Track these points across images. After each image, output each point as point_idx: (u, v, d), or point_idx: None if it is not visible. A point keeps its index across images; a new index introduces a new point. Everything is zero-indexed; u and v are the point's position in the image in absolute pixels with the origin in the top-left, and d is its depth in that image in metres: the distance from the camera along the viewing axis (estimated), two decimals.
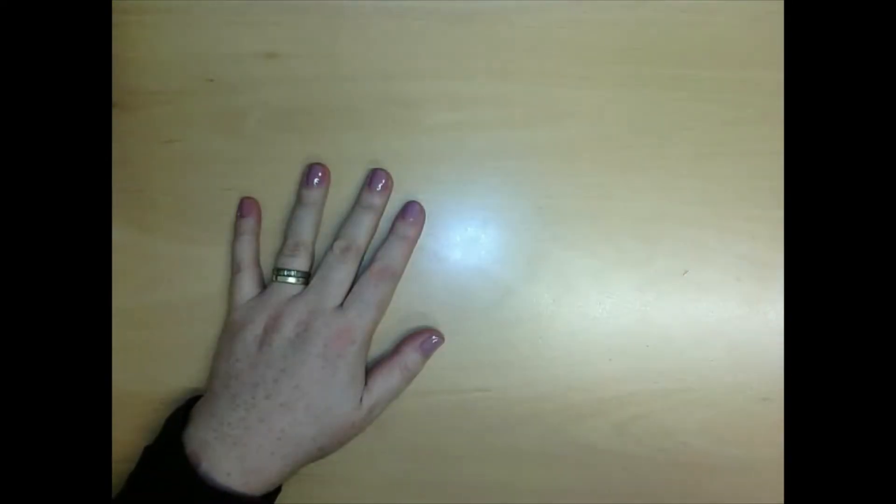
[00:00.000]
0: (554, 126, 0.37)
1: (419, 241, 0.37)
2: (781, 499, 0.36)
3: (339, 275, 0.34)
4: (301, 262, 0.35)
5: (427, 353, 0.36)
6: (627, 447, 0.37)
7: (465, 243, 0.37)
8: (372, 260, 0.35)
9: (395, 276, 0.35)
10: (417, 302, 0.37)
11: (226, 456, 0.32)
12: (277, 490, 0.34)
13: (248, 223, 0.36)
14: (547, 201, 0.37)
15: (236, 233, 0.36)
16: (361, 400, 0.34)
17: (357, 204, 0.36)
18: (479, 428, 0.37)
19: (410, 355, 0.36)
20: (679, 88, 0.37)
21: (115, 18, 0.37)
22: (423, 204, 0.36)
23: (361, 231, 0.35)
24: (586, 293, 0.37)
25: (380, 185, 0.36)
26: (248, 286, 0.36)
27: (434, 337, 0.36)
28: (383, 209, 0.36)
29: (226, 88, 0.37)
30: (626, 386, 0.37)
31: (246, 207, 0.36)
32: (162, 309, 0.37)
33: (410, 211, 0.36)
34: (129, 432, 0.36)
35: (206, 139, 0.37)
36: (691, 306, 0.37)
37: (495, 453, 0.37)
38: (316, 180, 0.36)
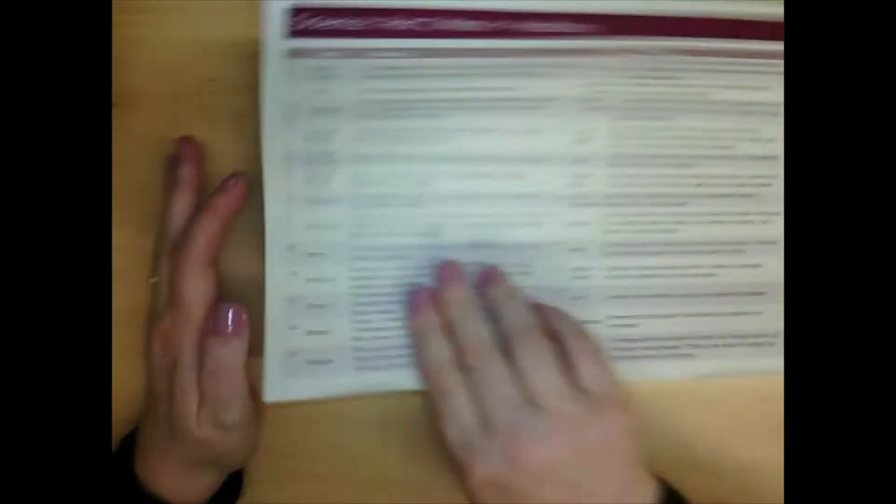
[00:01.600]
0: None
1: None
2: (781, 499, 0.36)
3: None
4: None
5: (231, 334, 0.31)
6: None
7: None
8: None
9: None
10: None
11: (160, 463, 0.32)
12: (233, 493, 0.34)
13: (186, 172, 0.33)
14: None
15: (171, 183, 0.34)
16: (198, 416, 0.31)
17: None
18: None
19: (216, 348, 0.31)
20: None
21: (115, 18, 0.37)
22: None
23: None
24: None
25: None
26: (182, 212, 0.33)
27: (231, 310, 0.32)
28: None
29: (226, 88, 0.37)
30: (626, 386, 0.37)
31: (183, 153, 0.33)
32: None
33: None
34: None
35: (206, 139, 0.37)
36: None
37: None
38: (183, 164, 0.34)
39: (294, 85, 0.32)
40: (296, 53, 0.32)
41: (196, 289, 0.31)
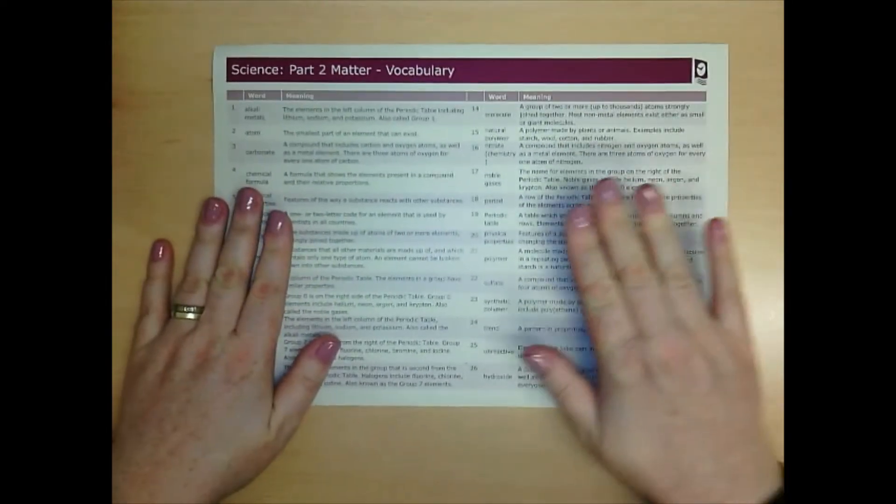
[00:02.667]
0: None
1: None
2: None
3: (226, 301, 0.34)
4: (199, 298, 0.35)
5: (325, 359, 0.36)
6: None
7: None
8: (252, 280, 0.35)
9: (278, 290, 0.35)
10: None
11: (136, 496, 0.31)
12: None
13: (161, 267, 0.36)
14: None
15: (148, 276, 0.36)
16: (270, 420, 0.34)
17: (231, 228, 0.36)
18: (479, 428, 0.37)
19: (308, 364, 0.36)
20: None
21: (115, 18, 0.37)
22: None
23: (240, 254, 0.35)
24: None
25: (249, 205, 0.36)
26: (151, 328, 0.35)
27: (330, 342, 0.36)
28: (258, 227, 0.36)
29: None
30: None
31: (157, 252, 0.36)
32: None
33: (275, 222, 0.36)
34: None
35: (206, 139, 0.37)
36: None
37: (495, 453, 0.37)
38: (214, 215, 0.36)
39: (234, 125, 0.37)
40: (232, 95, 0.37)
41: (281, 312, 0.36)
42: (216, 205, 0.36)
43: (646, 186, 0.33)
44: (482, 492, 0.37)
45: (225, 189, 0.37)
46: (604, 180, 0.33)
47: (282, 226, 0.36)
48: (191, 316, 0.35)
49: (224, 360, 0.33)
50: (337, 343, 0.36)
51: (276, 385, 0.35)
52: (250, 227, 0.36)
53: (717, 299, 0.34)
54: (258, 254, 0.36)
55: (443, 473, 0.37)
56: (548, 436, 0.37)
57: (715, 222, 0.35)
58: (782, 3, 0.36)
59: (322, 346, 0.36)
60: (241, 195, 0.36)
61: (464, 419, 0.37)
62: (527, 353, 0.35)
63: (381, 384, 0.37)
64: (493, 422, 0.37)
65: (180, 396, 0.33)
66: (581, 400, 0.34)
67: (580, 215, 0.33)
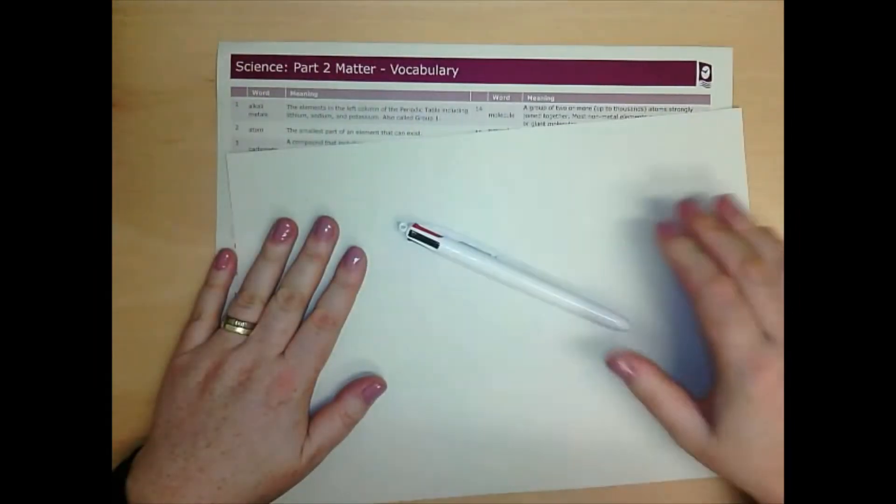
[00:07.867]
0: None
1: None
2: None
3: (282, 323, 0.34)
4: (252, 314, 0.35)
5: (369, 400, 0.36)
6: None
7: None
8: (314, 307, 0.35)
9: (336, 324, 0.35)
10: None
11: None
12: None
13: (221, 277, 0.36)
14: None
15: (206, 282, 0.36)
16: (303, 448, 0.34)
17: (302, 251, 0.36)
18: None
19: (352, 402, 0.35)
20: None
21: (115, 18, 0.37)
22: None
23: (305, 280, 0.35)
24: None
25: (325, 232, 0.36)
26: (199, 334, 0.35)
27: (377, 384, 0.36)
28: (329, 257, 0.36)
29: None
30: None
31: (222, 260, 0.36)
32: (162, 309, 0.37)
33: (352, 257, 0.36)
34: (129, 432, 0.36)
35: (208, 137, 0.37)
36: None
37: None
38: (284, 235, 0.36)
39: (238, 122, 0.37)
40: (236, 92, 0.37)
41: (332, 346, 0.35)
42: (287, 225, 0.36)
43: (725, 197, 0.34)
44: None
45: (225, 185, 0.37)
46: (686, 199, 0.35)
47: (357, 262, 0.36)
48: (240, 330, 0.34)
49: (266, 382, 0.33)
50: (384, 386, 0.36)
51: (313, 415, 0.35)
52: (322, 254, 0.36)
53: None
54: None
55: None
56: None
57: (723, 203, 0.34)
58: (782, 3, 0.36)
59: (369, 386, 0.36)
60: (319, 222, 0.36)
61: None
62: (610, 359, 0.33)
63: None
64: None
65: (217, 413, 0.33)
66: (678, 407, 0.32)
67: (668, 227, 0.33)
